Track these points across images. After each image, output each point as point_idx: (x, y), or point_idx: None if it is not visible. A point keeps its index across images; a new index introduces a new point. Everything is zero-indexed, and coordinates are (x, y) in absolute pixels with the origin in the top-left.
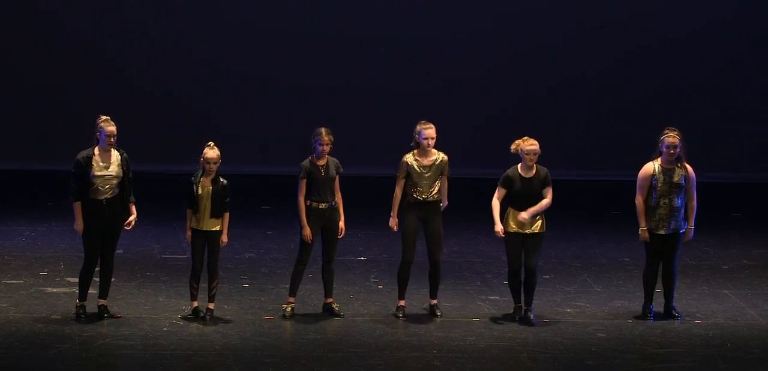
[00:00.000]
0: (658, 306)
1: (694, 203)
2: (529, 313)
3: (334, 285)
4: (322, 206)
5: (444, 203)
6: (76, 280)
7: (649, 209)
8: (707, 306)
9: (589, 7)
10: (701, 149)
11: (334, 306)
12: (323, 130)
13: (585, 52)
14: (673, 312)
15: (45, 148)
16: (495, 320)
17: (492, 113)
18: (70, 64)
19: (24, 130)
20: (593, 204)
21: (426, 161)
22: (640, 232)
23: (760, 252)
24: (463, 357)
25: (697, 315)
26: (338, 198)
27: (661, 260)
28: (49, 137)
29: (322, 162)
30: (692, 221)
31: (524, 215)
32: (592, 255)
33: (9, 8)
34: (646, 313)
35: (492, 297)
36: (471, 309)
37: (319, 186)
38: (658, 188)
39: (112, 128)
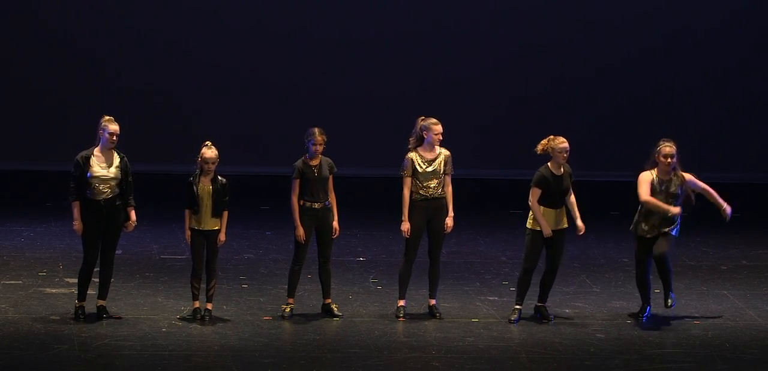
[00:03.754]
0: (656, 307)
1: (709, 188)
2: (547, 309)
3: (332, 286)
4: (316, 206)
5: (450, 215)
6: (75, 280)
7: (643, 215)
8: (706, 307)
9: (589, 8)
10: (700, 150)
11: (333, 306)
12: (316, 130)
13: (584, 53)
14: (669, 300)
15: (44, 148)
16: (494, 320)
17: (491, 114)
18: (69, 65)
19: (23, 130)
20: (592, 204)
21: (429, 156)
22: (672, 213)
23: (759, 253)
24: (462, 357)
25: (696, 315)
26: (332, 198)
27: (651, 262)
28: (48, 137)
29: (315, 162)
30: (724, 202)
31: (581, 225)
32: (591, 256)
33: (7, 10)
34: (640, 314)
35: (491, 298)
36: (470, 310)
37: (312, 186)
38: (656, 198)
39: (115, 127)
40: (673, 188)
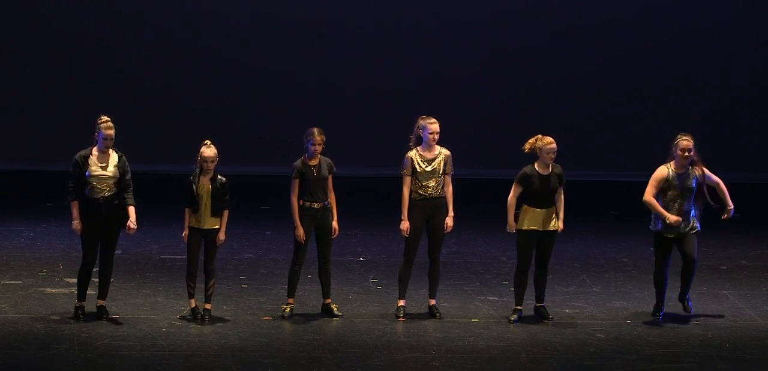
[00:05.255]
0: (669, 307)
1: (722, 184)
2: (545, 309)
3: (332, 286)
4: (316, 206)
5: (450, 215)
6: (75, 280)
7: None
8: (706, 307)
9: (587, 5)
10: (700, 149)
11: (333, 306)
12: (315, 130)
13: (583, 51)
14: (687, 303)
15: (44, 148)
16: (494, 320)
17: (489, 113)
18: (70, 64)
19: (23, 130)
20: (592, 205)
21: (429, 156)
22: (669, 221)
23: (759, 253)
24: (462, 357)
25: (696, 315)
26: (331, 198)
27: (670, 262)
28: (49, 137)
29: (314, 162)
30: (730, 201)
31: (561, 225)
32: (591, 256)
33: (7, 9)
34: (656, 313)
35: (491, 298)
36: (470, 310)
37: (311, 186)
38: (669, 193)
39: (110, 131)
40: (688, 182)
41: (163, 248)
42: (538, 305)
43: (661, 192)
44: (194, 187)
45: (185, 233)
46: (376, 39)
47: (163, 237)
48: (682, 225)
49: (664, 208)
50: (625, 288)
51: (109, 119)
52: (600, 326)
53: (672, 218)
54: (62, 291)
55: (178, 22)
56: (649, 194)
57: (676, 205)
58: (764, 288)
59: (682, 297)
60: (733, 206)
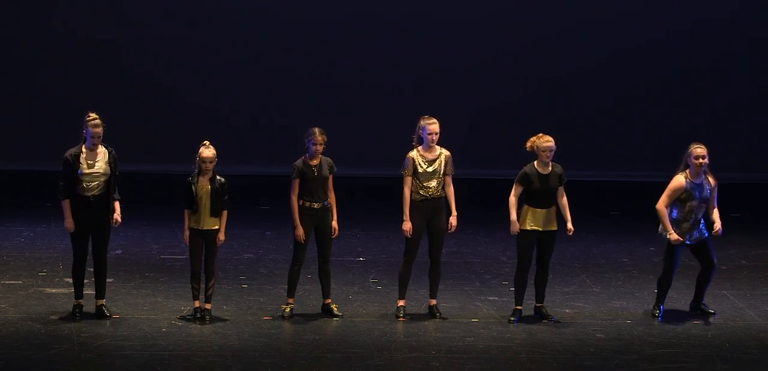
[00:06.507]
0: (668, 306)
1: (716, 205)
2: (545, 309)
3: (332, 286)
4: (316, 205)
5: (454, 214)
6: None
7: (674, 222)
8: None
9: (588, 5)
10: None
11: (333, 306)
12: (316, 130)
13: (583, 50)
14: (708, 310)
15: (44, 148)
16: (494, 320)
17: (489, 112)
18: (70, 64)
19: (23, 130)
20: (592, 204)
21: (430, 156)
22: (670, 238)
23: (758, 253)
24: (462, 357)
25: (697, 314)
26: (331, 198)
27: (676, 268)
28: (49, 137)
29: (315, 162)
30: (719, 222)
31: (571, 227)
32: (591, 256)
33: (8, 9)
34: (655, 312)
35: (491, 298)
36: (470, 310)
37: (312, 186)
38: (687, 204)
39: (97, 129)
40: (705, 193)
41: (164, 248)
42: (538, 305)
43: (679, 203)
44: (193, 188)
45: (186, 235)
46: (376, 38)
47: (163, 237)
48: (696, 234)
49: (683, 219)
50: (625, 288)
51: (96, 116)
52: (600, 326)
53: (674, 236)
54: (62, 291)
55: (178, 22)
56: (662, 204)
57: (692, 216)
58: (764, 287)
59: (699, 304)
60: (721, 228)
